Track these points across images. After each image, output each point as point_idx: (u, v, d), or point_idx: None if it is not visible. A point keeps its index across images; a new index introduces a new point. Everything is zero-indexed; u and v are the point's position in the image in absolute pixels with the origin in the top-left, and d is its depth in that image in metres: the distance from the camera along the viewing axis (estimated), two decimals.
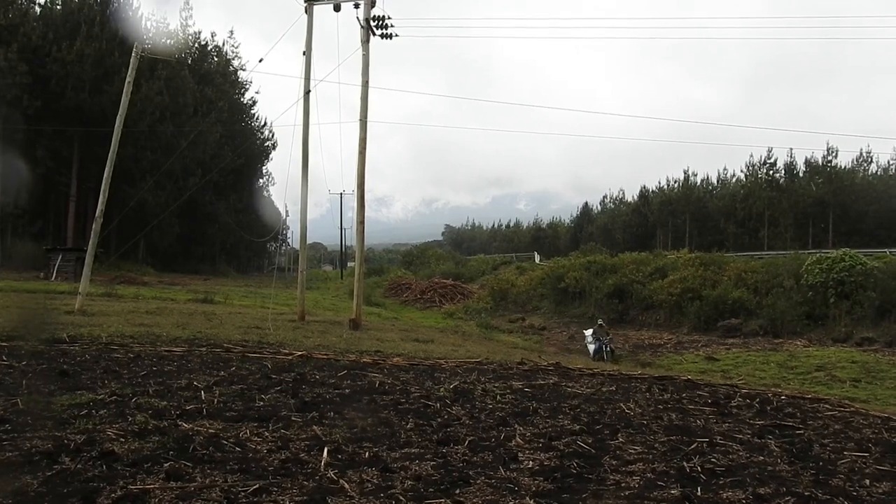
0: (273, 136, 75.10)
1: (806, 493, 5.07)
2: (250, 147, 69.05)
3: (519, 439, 6.49)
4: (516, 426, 7.04)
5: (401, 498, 4.66)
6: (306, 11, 22.47)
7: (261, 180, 79.79)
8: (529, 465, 5.64)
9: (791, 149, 70.15)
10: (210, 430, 6.19)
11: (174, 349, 11.99)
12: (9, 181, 42.80)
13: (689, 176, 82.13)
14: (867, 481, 5.52)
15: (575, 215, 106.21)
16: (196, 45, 66.06)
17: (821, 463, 6.06)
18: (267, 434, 6.24)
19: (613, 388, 10.14)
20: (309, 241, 28.11)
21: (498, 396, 8.77)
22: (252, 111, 74.94)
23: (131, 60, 21.78)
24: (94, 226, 20.70)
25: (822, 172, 67.20)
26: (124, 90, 21.31)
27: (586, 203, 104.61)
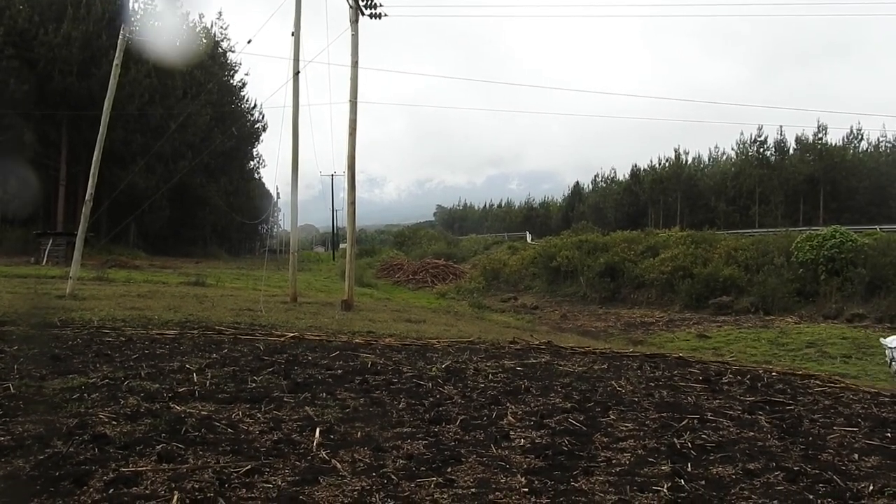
0: (263, 117, 74.85)
1: (795, 468, 5.11)
2: (240, 129, 68.69)
3: (511, 418, 6.51)
4: (508, 405, 7.07)
5: (393, 477, 4.68)
6: None
7: (251, 162, 79.67)
8: (521, 444, 5.66)
9: (781, 126, 70.36)
10: (202, 412, 6.19)
11: (166, 332, 11.97)
12: None
13: (679, 154, 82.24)
14: (856, 456, 5.57)
15: (566, 194, 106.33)
16: (185, 26, 65.51)
17: (810, 438, 6.10)
18: (259, 415, 6.24)
19: (605, 366, 10.17)
20: (300, 222, 28.10)
21: (490, 375, 8.79)
22: (242, 93, 74.53)
23: (118, 43, 21.58)
24: (83, 210, 20.59)
25: (813, 150, 67.34)
26: (112, 73, 21.13)
27: (577, 182, 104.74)
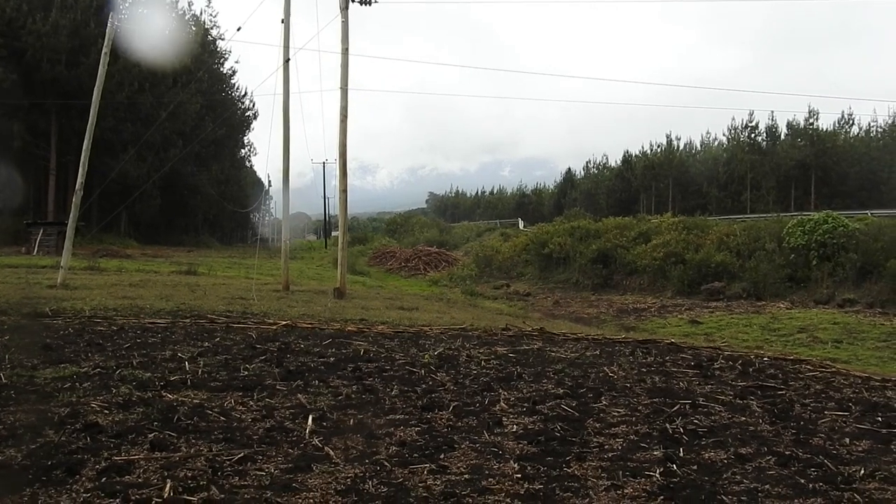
0: (254, 105, 74.40)
1: (787, 452, 5.15)
2: (231, 117, 68.40)
3: (503, 404, 6.53)
4: (501, 391, 7.08)
5: (385, 463, 4.69)
6: None
7: (242, 150, 79.26)
8: (514, 430, 5.68)
9: (772, 111, 70.37)
10: (195, 401, 6.19)
11: (158, 321, 11.93)
12: None
13: (671, 140, 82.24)
14: (847, 440, 5.61)
15: (559, 181, 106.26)
16: (174, 14, 65.03)
17: (802, 422, 6.14)
18: (252, 403, 6.25)
19: (597, 352, 10.20)
20: (292, 210, 28.05)
21: (482, 362, 8.81)
22: (232, 81, 74.10)
23: (107, 31, 21.41)
24: (74, 199, 20.47)
25: (804, 135, 67.40)
26: (101, 61, 20.97)
27: (569, 169, 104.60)
